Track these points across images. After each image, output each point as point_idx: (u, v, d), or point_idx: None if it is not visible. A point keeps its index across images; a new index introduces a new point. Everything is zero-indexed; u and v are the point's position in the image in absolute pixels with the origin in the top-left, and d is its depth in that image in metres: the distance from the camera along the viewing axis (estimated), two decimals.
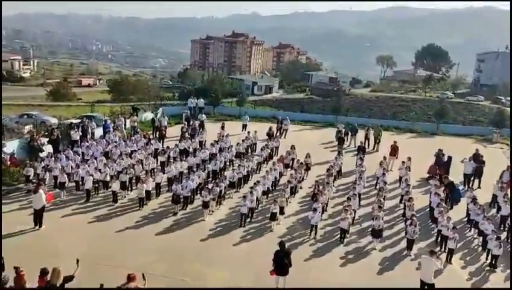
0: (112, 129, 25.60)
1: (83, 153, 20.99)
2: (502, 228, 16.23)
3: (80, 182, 18.19)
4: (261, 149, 23.35)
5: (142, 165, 19.88)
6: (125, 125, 27.66)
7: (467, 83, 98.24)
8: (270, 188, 18.80)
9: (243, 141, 24.28)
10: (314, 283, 12.40)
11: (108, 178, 18.19)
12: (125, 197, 17.91)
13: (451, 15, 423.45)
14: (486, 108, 61.12)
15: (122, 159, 20.00)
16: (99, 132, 25.75)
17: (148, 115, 32.57)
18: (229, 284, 12.18)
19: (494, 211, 18.24)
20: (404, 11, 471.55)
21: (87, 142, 22.27)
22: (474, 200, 16.72)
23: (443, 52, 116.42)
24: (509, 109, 57.07)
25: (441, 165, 21.90)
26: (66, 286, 9.37)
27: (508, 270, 13.67)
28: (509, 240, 15.49)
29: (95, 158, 20.18)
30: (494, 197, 18.72)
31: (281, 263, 11.62)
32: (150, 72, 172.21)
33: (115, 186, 17.44)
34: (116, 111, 32.92)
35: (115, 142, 22.89)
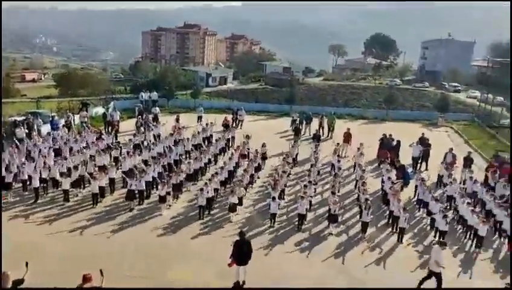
0: (60, 126, 24.52)
1: (29, 151, 19.99)
2: (448, 207, 17.16)
3: (27, 182, 17.32)
4: (216, 140, 23.24)
5: (94, 161, 19.21)
6: (74, 121, 26.61)
7: (414, 70, 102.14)
8: (228, 179, 18.79)
9: (199, 132, 24.05)
10: (274, 270, 12.58)
11: (58, 176, 17.45)
12: (77, 195, 17.28)
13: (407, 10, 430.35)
14: (431, 94, 63.90)
15: (74, 155, 19.25)
16: (46, 128, 24.58)
17: (99, 110, 31.48)
18: (193, 278, 12.07)
19: (440, 191, 19.23)
20: (366, 4, 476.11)
21: (33, 139, 21.23)
22: (422, 181, 17.60)
23: (390, 41, 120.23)
24: (452, 94, 60.33)
25: (391, 149, 22.82)
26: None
27: (455, 247, 14.56)
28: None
29: (43, 156, 19.25)
30: (440, 177, 19.77)
31: (242, 252, 11.67)
32: (100, 65, 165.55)
33: (66, 184, 16.75)
34: (64, 106, 31.56)
35: (64, 138, 21.96)
